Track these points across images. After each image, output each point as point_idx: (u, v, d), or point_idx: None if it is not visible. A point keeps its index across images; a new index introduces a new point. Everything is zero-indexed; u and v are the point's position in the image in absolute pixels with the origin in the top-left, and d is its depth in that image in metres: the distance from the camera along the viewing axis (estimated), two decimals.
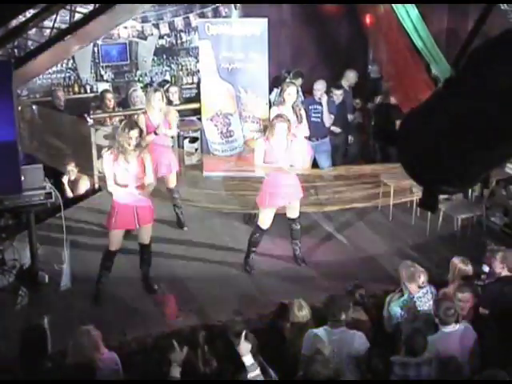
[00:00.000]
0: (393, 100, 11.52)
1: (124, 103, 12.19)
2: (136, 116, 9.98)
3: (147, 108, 9.63)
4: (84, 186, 10.75)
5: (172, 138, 10.40)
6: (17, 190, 7.64)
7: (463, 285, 7.16)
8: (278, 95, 10.77)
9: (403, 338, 6.43)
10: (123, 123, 8.43)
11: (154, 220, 8.49)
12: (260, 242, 8.99)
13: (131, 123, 8.36)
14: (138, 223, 8.26)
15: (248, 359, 5.73)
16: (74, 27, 7.38)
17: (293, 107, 9.83)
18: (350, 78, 12.00)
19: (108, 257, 8.37)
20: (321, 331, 6.48)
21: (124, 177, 8.10)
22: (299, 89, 10.64)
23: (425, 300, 7.06)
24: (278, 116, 8.75)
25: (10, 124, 6.96)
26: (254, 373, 5.68)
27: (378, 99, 12.21)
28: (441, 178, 2.66)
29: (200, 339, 6.48)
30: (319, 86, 10.87)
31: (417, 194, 9.12)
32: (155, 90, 9.81)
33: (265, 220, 8.86)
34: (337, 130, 11.51)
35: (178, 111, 11.78)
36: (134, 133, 8.01)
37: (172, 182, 9.86)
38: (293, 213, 8.99)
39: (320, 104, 10.83)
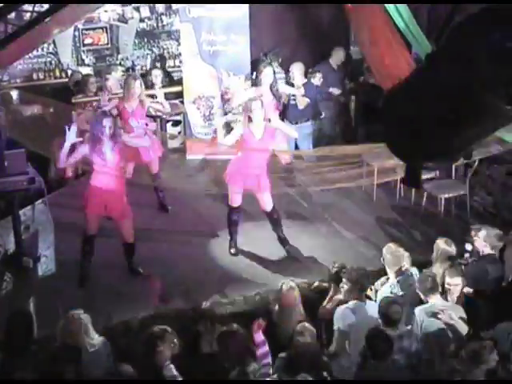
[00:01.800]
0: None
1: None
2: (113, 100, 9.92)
3: (124, 94, 9.63)
4: (68, 170, 10.70)
5: (155, 121, 10.39)
6: (1, 174, 7.63)
7: (452, 269, 7.18)
8: (255, 77, 10.72)
9: (378, 310, 6.45)
10: (95, 113, 8.40)
11: (131, 216, 8.48)
12: (239, 222, 8.96)
13: (103, 111, 8.34)
14: (107, 211, 8.25)
15: (258, 335, 5.88)
16: (54, 10, 7.31)
17: (270, 88, 9.83)
18: (338, 56, 11.99)
19: (86, 241, 8.36)
20: (351, 305, 6.62)
21: (101, 166, 8.09)
22: (276, 69, 10.61)
23: (410, 282, 7.08)
24: (253, 100, 8.69)
25: None
26: (264, 349, 5.77)
27: (361, 79, 12.21)
28: (423, 154, 2.68)
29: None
30: (294, 69, 10.83)
31: (400, 174, 9.13)
32: (134, 78, 9.79)
33: (233, 198, 8.83)
34: (335, 92, 11.50)
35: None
36: (107, 121, 7.96)
37: (154, 169, 9.82)
38: (266, 205, 8.91)
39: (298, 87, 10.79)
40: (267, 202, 8.86)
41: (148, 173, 9.84)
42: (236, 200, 8.82)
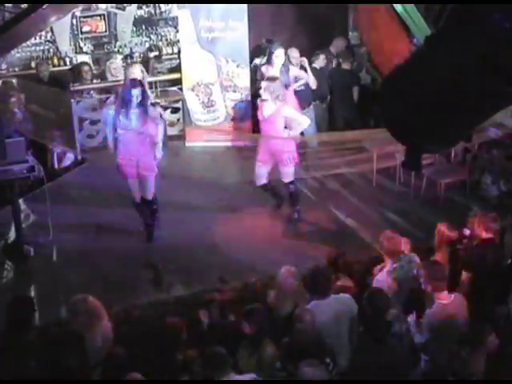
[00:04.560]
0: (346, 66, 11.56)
1: (104, 75, 12.14)
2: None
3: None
4: (68, 158, 10.72)
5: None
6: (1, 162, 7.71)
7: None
8: (266, 59, 10.68)
9: (364, 299, 6.35)
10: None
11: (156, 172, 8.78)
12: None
13: (134, 81, 8.68)
14: (139, 172, 8.60)
15: None
16: None
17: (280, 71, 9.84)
18: (339, 45, 11.96)
19: (136, 208, 8.86)
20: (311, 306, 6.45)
21: (126, 130, 8.47)
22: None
23: (407, 269, 7.03)
24: (272, 78, 8.77)
25: None
26: None
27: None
28: (423, 137, 2.67)
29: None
30: (296, 54, 10.78)
31: (399, 159, 9.13)
32: (133, 64, 9.81)
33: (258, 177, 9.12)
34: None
35: (159, 82, 11.81)
36: (136, 91, 8.34)
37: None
38: (285, 176, 9.06)
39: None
40: (287, 173, 9.05)
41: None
42: (259, 178, 9.14)
